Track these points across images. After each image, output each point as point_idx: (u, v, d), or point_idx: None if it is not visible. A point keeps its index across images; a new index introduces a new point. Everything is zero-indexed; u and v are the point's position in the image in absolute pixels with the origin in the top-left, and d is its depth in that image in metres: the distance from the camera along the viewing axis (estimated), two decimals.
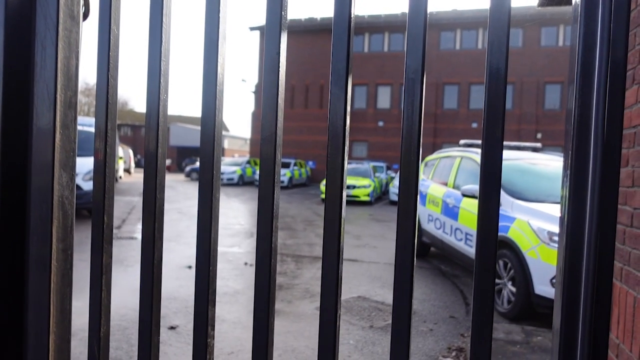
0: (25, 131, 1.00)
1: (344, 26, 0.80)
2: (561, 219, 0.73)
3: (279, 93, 0.84)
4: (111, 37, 0.95)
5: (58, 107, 0.95)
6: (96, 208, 0.98)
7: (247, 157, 28.84)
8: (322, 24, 28.88)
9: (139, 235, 8.58)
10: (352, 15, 0.81)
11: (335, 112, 0.80)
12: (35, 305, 0.97)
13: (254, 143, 31.43)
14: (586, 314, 0.68)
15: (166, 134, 0.96)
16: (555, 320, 0.72)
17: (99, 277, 0.97)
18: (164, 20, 0.92)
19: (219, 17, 0.87)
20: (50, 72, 0.94)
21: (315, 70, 28.57)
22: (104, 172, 0.97)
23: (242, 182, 25.16)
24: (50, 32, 0.94)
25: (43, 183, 0.96)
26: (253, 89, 31.46)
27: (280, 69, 0.83)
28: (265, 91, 0.84)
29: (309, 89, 29.19)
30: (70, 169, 1.00)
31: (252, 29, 31.04)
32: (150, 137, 0.94)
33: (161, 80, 0.93)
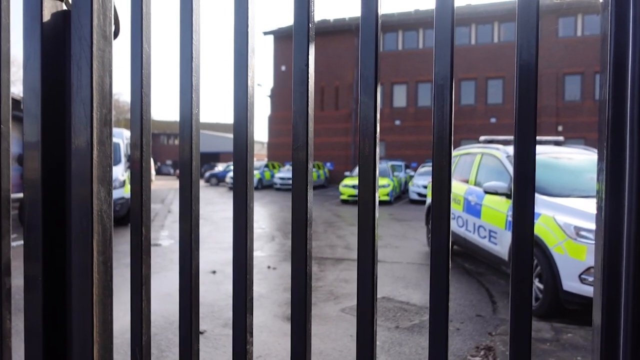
0: (63, 149, 1.04)
1: (371, 31, 0.81)
2: (598, 214, 0.73)
3: (309, 103, 0.85)
4: (143, 55, 0.98)
5: (94, 124, 0.99)
6: (134, 220, 1.01)
7: (265, 161, 29.01)
8: (336, 26, 28.91)
9: (163, 242, 8.72)
10: (379, 20, 0.82)
11: (365, 119, 0.81)
12: (79, 316, 1.01)
13: (272, 147, 31.58)
14: (628, 311, 0.67)
15: (199, 146, 0.99)
16: (596, 318, 0.71)
17: (139, 287, 1.00)
18: (194, 37, 0.94)
19: (247, 32, 0.89)
20: (86, 92, 0.98)
21: (330, 73, 28.61)
22: (140, 186, 1.00)
23: (261, 185, 25.35)
24: (85, 53, 0.97)
25: (83, 198, 1.00)
26: (268, 93, 31.62)
27: (309, 80, 0.85)
28: (296, 102, 0.86)
29: (325, 91, 29.23)
30: (107, 183, 1.03)
31: (265, 33, 31.22)
32: (185, 150, 0.97)
33: (193, 95, 0.96)
